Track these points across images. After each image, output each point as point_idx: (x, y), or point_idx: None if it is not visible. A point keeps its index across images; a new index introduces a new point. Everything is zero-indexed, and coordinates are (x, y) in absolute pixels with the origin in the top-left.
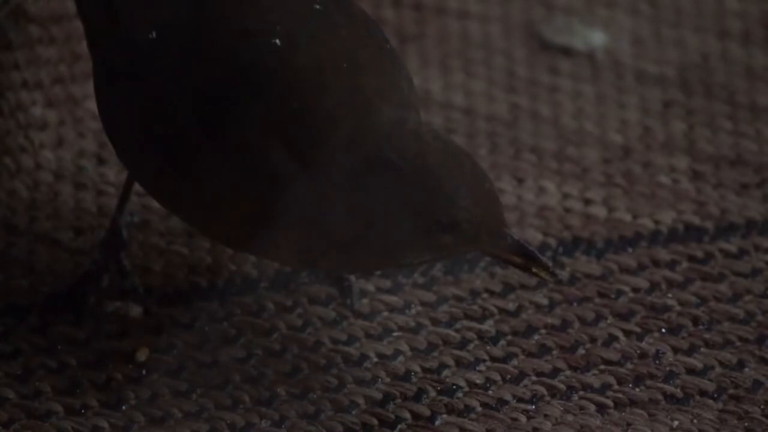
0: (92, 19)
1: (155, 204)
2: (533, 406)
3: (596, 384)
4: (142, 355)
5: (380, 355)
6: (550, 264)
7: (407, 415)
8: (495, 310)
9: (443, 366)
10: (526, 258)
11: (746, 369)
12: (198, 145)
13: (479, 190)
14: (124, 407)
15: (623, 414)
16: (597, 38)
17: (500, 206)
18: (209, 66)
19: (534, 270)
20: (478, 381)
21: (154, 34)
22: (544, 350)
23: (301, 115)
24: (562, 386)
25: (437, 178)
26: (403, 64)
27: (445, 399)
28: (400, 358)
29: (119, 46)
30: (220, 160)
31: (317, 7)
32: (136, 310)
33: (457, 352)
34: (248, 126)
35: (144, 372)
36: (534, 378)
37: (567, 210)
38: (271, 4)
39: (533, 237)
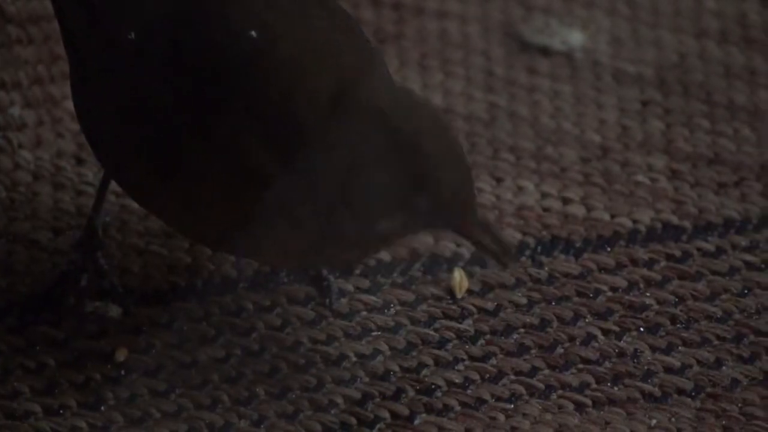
0: (70, 20)
1: (134, 204)
2: (512, 405)
3: (575, 383)
4: (120, 355)
5: (359, 355)
6: (513, 250)
7: (386, 415)
8: (474, 310)
9: (422, 365)
10: (491, 238)
11: (724, 367)
12: (177, 143)
13: (457, 159)
14: (102, 408)
15: (602, 413)
16: (575, 38)
17: (473, 181)
18: (187, 64)
19: (494, 252)
20: (456, 380)
21: (133, 35)
22: (522, 349)
23: (282, 105)
24: (541, 385)
25: (417, 137)
26: (382, 56)
27: (424, 398)
28: (379, 358)
29: (98, 47)
30: (200, 157)
31: None
32: (114, 311)
33: (436, 351)
34: (228, 122)
35: (123, 372)
36: (513, 377)
37: (545, 209)
38: None
39: (512, 236)
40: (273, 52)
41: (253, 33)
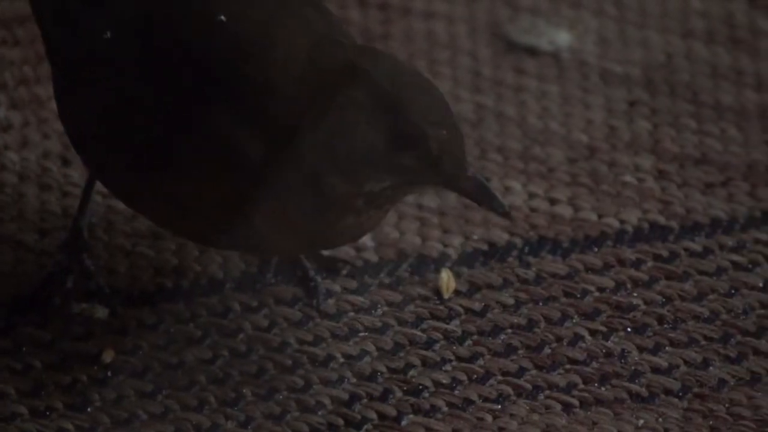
0: (47, 21)
1: (120, 205)
2: (499, 406)
3: (562, 383)
4: (107, 356)
5: (346, 356)
6: (506, 206)
7: (373, 416)
8: (461, 310)
9: (409, 366)
10: (483, 192)
11: (711, 368)
12: (159, 138)
13: (445, 116)
14: (89, 409)
15: (589, 413)
16: (562, 38)
17: (462, 137)
18: (162, 58)
19: (488, 205)
20: (444, 381)
21: (109, 34)
22: (510, 350)
23: (258, 82)
24: (528, 386)
25: (404, 94)
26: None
27: (412, 399)
28: (367, 359)
29: (76, 48)
30: (183, 150)
31: None
32: (101, 312)
33: (423, 352)
34: (208, 110)
35: (109, 373)
36: (500, 378)
37: (533, 210)
38: None
39: (499, 237)
40: (242, 32)
41: (222, 17)
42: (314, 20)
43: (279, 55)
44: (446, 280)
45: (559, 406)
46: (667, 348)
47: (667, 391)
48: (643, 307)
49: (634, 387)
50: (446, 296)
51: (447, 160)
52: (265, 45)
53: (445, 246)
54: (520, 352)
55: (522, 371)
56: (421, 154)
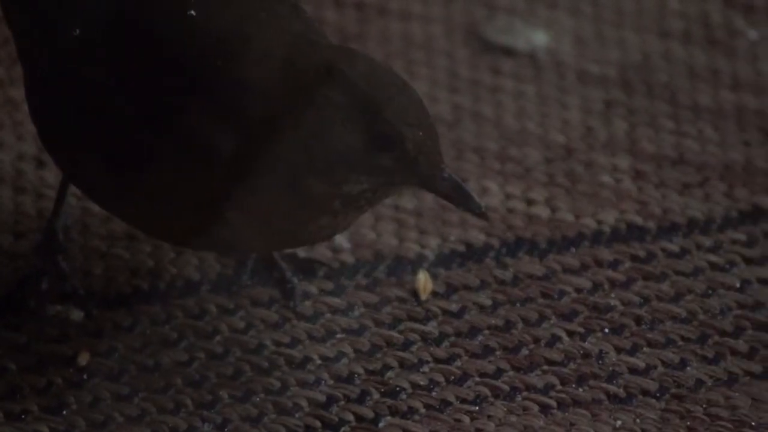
0: (17, 22)
1: (95, 207)
2: (477, 407)
3: (539, 384)
4: (83, 359)
5: (323, 358)
6: (483, 206)
7: (350, 417)
8: (438, 311)
9: (387, 368)
10: (461, 196)
11: (688, 368)
12: (131, 136)
13: (421, 117)
14: (65, 412)
15: (566, 414)
16: (539, 38)
17: (437, 137)
18: (131, 55)
19: (464, 206)
20: (421, 382)
21: (77, 31)
22: (487, 351)
23: (231, 78)
24: (506, 387)
25: (381, 94)
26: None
27: (389, 401)
28: (344, 360)
29: (45, 47)
30: (156, 148)
31: None
32: (76, 314)
33: (400, 353)
34: (180, 107)
35: (85, 376)
36: (477, 379)
37: (510, 210)
38: None
39: (476, 238)
40: (215, 29)
41: (192, 12)
42: (288, 18)
43: (253, 54)
44: (423, 281)
45: (536, 408)
46: (644, 349)
47: (645, 392)
48: (620, 307)
49: (612, 388)
50: (423, 298)
51: (423, 161)
52: (239, 43)
53: (422, 247)
54: (498, 353)
55: (499, 372)
56: (398, 154)
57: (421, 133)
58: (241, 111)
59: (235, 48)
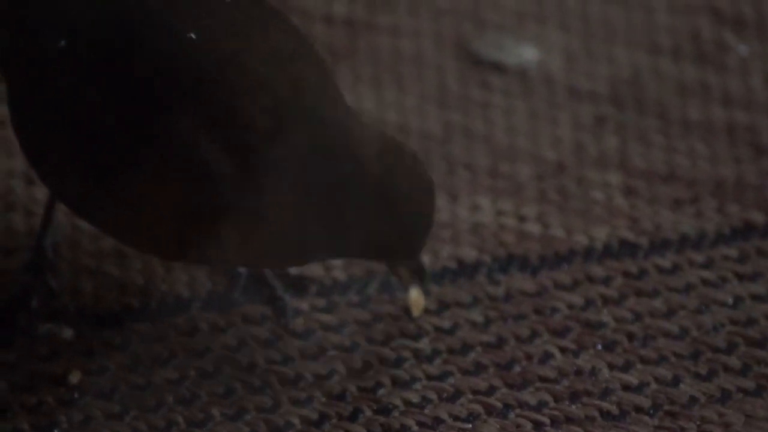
0: (1, 36)
1: (85, 224)
2: (470, 425)
3: (532, 401)
4: (74, 377)
5: (315, 375)
6: (429, 288)
7: None
8: (430, 328)
9: (379, 385)
10: (417, 275)
11: (681, 385)
12: (120, 152)
13: (426, 211)
14: (55, 431)
15: (559, 431)
16: (529, 54)
17: (431, 229)
18: (124, 69)
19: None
20: (414, 400)
21: (63, 43)
22: (480, 368)
23: (231, 108)
24: (499, 404)
25: (392, 186)
26: (320, 52)
27: (381, 418)
28: (336, 378)
29: (29, 59)
30: (148, 166)
31: (228, 0)
32: (67, 332)
33: (392, 370)
34: (174, 125)
35: (76, 395)
36: (470, 396)
37: (501, 227)
38: (180, 0)
39: (467, 254)
40: (216, 53)
41: (193, 35)
42: (284, 41)
43: (255, 81)
44: (415, 298)
45: (529, 425)
46: (637, 365)
47: (638, 409)
48: (613, 324)
49: (605, 405)
50: (416, 314)
51: (408, 254)
52: (240, 70)
53: None
54: (491, 370)
55: (492, 389)
56: (394, 254)
57: (420, 232)
58: (235, 137)
59: (235, 77)
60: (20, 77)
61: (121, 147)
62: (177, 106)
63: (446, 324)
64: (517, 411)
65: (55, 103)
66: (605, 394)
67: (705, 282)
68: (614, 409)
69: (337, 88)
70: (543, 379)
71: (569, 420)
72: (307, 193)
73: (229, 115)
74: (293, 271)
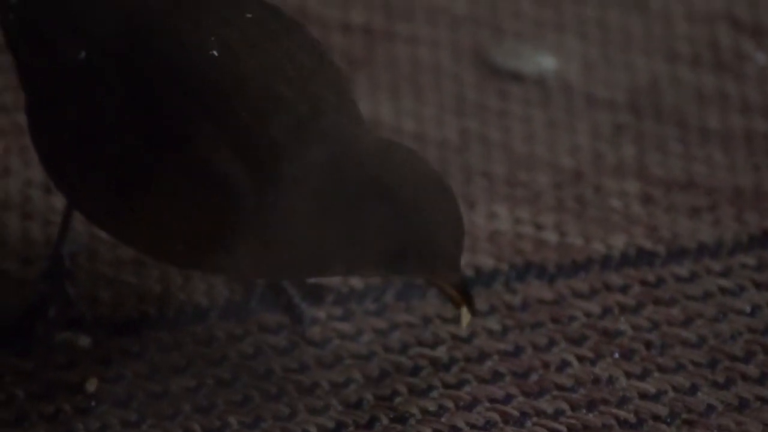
0: (20, 46)
1: (102, 232)
2: None
3: (549, 410)
4: (91, 385)
5: (332, 383)
6: (474, 307)
7: None
8: (447, 337)
9: (396, 393)
10: (463, 296)
11: (699, 393)
12: (142, 165)
13: (452, 219)
14: None
15: None
16: (547, 63)
17: (463, 239)
18: (146, 82)
19: (461, 307)
20: (431, 408)
21: (83, 54)
22: (497, 376)
23: (252, 124)
24: (516, 412)
25: (414, 208)
26: (340, 68)
27: (398, 427)
28: (353, 386)
29: (49, 71)
30: (168, 178)
31: (249, 16)
32: (84, 341)
33: (409, 379)
34: (195, 140)
35: (93, 403)
36: (487, 404)
37: (519, 235)
38: (201, 15)
39: (485, 262)
40: (237, 70)
41: (214, 52)
42: (303, 56)
43: (275, 99)
44: (465, 312)
45: None
46: (654, 373)
47: (656, 417)
48: (630, 332)
49: (622, 413)
50: (464, 325)
51: (443, 268)
52: (262, 91)
53: None
54: (507, 378)
55: (509, 398)
56: (425, 267)
57: (446, 244)
58: (255, 154)
59: (257, 95)
60: (40, 88)
61: (141, 159)
62: (197, 120)
63: (463, 332)
64: (534, 419)
65: (75, 115)
66: (622, 402)
67: (723, 290)
68: (631, 418)
69: (354, 103)
70: (560, 388)
71: (586, 428)
72: (323, 208)
73: (249, 131)
74: (310, 279)
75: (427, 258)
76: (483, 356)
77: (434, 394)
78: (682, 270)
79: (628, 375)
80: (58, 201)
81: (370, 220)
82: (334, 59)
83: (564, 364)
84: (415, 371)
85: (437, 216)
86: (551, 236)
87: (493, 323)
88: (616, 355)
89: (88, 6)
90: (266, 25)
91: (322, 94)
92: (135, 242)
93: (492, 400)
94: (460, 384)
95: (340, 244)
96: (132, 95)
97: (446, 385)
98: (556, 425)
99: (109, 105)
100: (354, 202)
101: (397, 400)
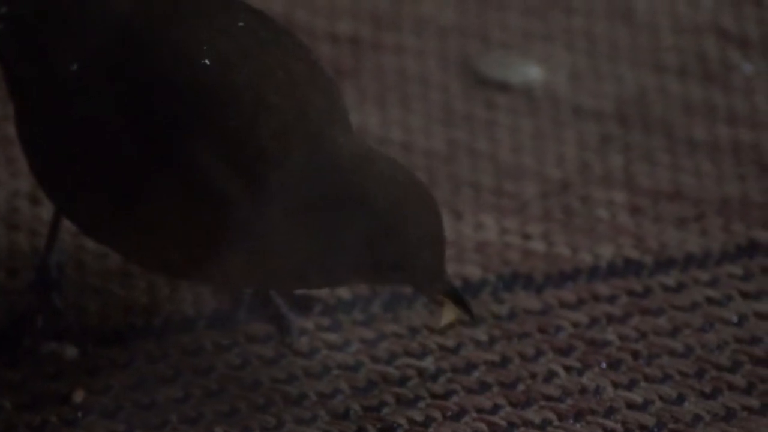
0: (11, 56)
1: (90, 243)
2: None
3: (537, 420)
4: (78, 396)
5: (320, 394)
6: (473, 312)
7: None
8: (435, 347)
9: (383, 404)
10: (457, 304)
11: (686, 403)
12: (132, 174)
13: (430, 230)
14: None
15: None
16: (534, 73)
17: (445, 246)
18: (138, 91)
19: (442, 306)
20: (418, 418)
21: (75, 66)
22: (484, 387)
23: (243, 134)
24: (503, 423)
25: (392, 217)
26: (331, 76)
27: None
28: (340, 397)
29: (40, 81)
30: (159, 186)
31: (241, 24)
32: (71, 351)
33: (397, 389)
34: (186, 149)
35: (80, 414)
36: (474, 415)
37: (506, 245)
38: (194, 24)
39: (472, 272)
40: (229, 79)
41: (207, 61)
42: (294, 65)
43: (266, 110)
44: (447, 316)
45: None
46: (641, 384)
47: (642, 427)
48: (617, 342)
49: (609, 423)
50: (437, 327)
51: (427, 275)
52: (253, 99)
53: None
54: (495, 388)
55: (496, 408)
56: (406, 276)
57: (428, 253)
58: (245, 163)
59: (248, 104)
60: (31, 99)
61: (131, 168)
62: (188, 130)
63: (450, 342)
64: (521, 430)
65: (66, 125)
66: (610, 412)
67: (710, 300)
68: (619, 428)
69: (344, 112)
70: (547, 398)
71: None
72: (302, 217)
73: (239, 141)
74: (297, 291)
75: (406, 269)
76: (470, 366)
77: (421, 404)
78: (670, 280)
79: (616, 385)
80: (45, 212)
81: (346, 230)
82: (321, 64)
83: (551, 375)
84: (402, 381)
85: (415, 227)
86: (538, 246)
87: (481, 333)
88: (604, 365)
89: (80, 17)
90: (258, 33)
91: (312, 102)
92: (127, 251)
93: (479, 411)
94: (447, 394)
95: (319, 254)
96: (123, 106)
97: (433, 396)
98: None
99: (101, 116)
100: (331, 211)
101: (385, 410)
